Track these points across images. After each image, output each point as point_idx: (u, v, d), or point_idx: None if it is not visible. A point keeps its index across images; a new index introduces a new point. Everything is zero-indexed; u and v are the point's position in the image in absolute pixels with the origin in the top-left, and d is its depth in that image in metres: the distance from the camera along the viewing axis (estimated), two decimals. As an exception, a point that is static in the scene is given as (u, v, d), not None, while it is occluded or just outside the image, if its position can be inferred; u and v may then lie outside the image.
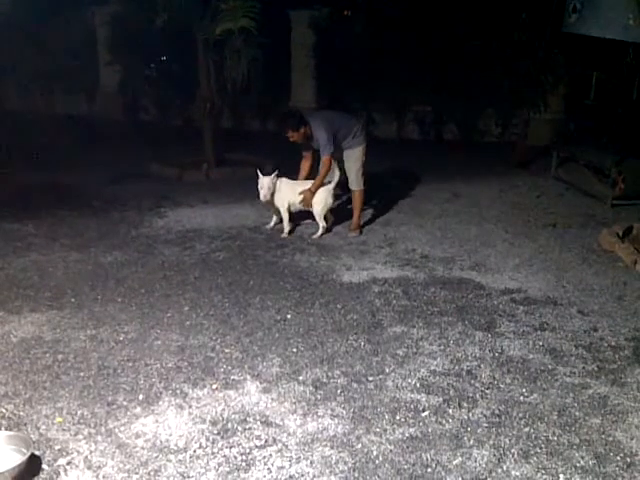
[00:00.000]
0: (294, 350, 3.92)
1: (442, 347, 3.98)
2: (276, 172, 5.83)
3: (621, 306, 4.57)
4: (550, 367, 3.76)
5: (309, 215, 5.97)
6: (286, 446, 3.06)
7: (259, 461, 2.96)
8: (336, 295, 4.70)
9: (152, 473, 2.88)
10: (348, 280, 4.98)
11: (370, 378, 3.63)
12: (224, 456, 2.99)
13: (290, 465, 2.93)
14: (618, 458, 3.00)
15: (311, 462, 2.95)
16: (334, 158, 5.82)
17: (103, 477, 2.86)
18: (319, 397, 3.44)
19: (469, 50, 9.01)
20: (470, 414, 3.31)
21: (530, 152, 8.66)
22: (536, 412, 3.34)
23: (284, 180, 5.91)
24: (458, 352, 3.92)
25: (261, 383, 3.57)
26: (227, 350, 3.90)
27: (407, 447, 3.05)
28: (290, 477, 2.87)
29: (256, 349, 3.92)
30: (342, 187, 6.13)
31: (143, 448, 3.04)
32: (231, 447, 3.05)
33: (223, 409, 3.33)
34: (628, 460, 2.99)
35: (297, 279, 4.97)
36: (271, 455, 3.00)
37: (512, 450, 3.04)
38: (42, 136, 8.96)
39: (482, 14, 8.83)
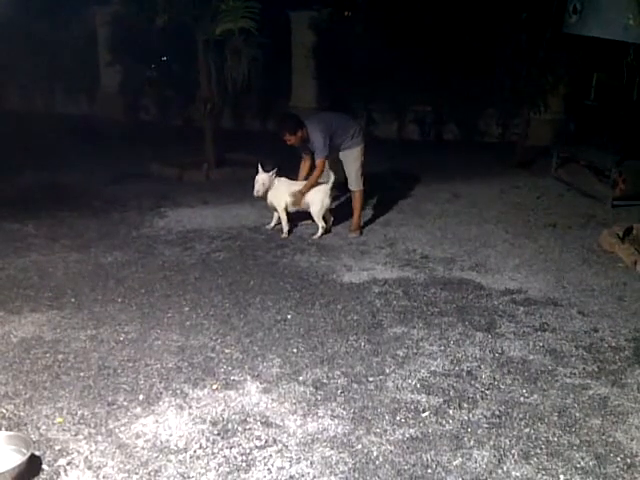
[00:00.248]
0: (294, 350, 3.92)
1: (442, 348, 3.98)
2: (275, 170, 5.84)
3: (621, 307, 4.57)
4: (550, 368, 3.76)
5: (309, 216, 5.97)
6: (286, 446, 3.06)
7: (259, 461, 2.96)
8: (336, 295, 4.70)
9: (152, 473, 2.88)
10: (348, 280, 4.97)
11: (370, 379, 3.63)
12: (224, 456, 2.99)
13: (290, 465, 2.93)
14: (618, 459, 3.00)
15: (311, 463, 2.95)
16: (332, 159, 5.82)
17: (103, 477, 2.86)
18: (319, 397, 3.44)
19: (469, 50, 9.00)
20: (470, 415, 3.31)
21: (530, 152, 8.66)
22: (536, 413, 3.33)
23: (282, 180, 5.92)
24: (458, 353, 3.92)
25: (261, 383, 3.57)
26: (227, 350, 3.90)
27: (407, 448, 3.05)
28: (290, 477, 2.87)
29: (256, 349, 3.92)
30: (339, 188, 6.12)
31: (143, 448, 3.03)
32: (231, 447, 3.05)
33: (223, 409, 3.33)
34: (628, 461, 2.99)
35: (297, 279, 4.97)
36: (271, 455, 3.00)
37: (512, 451, 3.04)
38: (42, 136, 8.96)
39: (483, 14, 8.83)
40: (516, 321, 4.34)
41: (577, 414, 3.33)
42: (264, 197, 5.89)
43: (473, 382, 3.60)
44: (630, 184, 6.89)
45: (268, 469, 2.91)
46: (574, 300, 4.67)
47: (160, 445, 3.06)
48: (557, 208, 6.93)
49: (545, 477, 2.89)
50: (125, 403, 3.37)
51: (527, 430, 3.19)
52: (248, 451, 3.02)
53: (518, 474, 2.90)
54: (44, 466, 2.91)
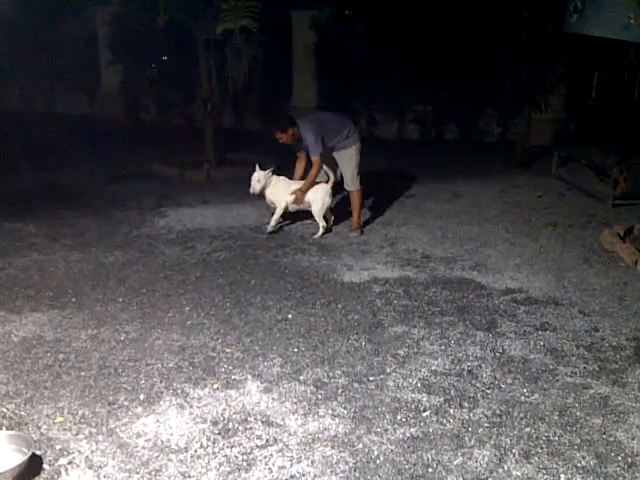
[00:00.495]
0: (295, 350, 3.92)
1: (443, 347, 3.98)
2: (271, 168, 5.85)
3: (622, 306, 4.57)
4: (551, 367, 3.76)
5: (310, 215, 5.97)
6: (287, 446, 3.06)
7: (260, 461, 2.96)
8: (337, 295, 4.70)
9: (153, 473, 2.88)
10: (349, 280, 4.97)
11: (371, 378, 3.63)
12: (225, 456, 2.99)
13: (291, 465, 2.93)
14: (619, 458, 3.00)
15: (312, 462, 2.95)
16: (330, 159, 5.83)
17: (104, 477, 2.86)
18: (320, 397, 3.44)
19: (470, 50, 9.00)
20: (471, 414, 3.31)
21: (531, 152, 8.66)
22: (537, 412, 3.33)
23: (282, 179, 5.92)
24: (459, 352, 3.92)
25: (262, 383, 3.57)
26: (228, 350, 3.90)
27: (408, 447, 3.05)
28: (291, 477, 2.87)
29: (257, 349, 3.92)
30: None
31: (144, 448, 3.04)
32: (232, 447, 3.05)
33: (224, 409, 3.34)
34: (629, 460, 2.99)
35: (298, 279, 4.97)
36: (272, 455, 3.00)
37: (513, 450, 3.04)
38: (43, 136, 8.95)
39: (483, 14, 8.82)
40: (517, 320, 4.34)
41: (578, 413, 3.33)
42: (262, 195, 5.90)
43: (474, 381, 3.60)
44: (631, 183, 6.88)
45: (269, 468, 2.91)
46: (575, 299, 4.67)
47: (161, 444, 3.06)
48: (558, 207, 6.93)
49: (546, 476, 2.89)
50: (126, 402, 3.38)
51: (528, 429, 3.19)
52: (249, 450, 3.02)
53: (519, 473, 2.90)
54: (45, 465, 2.91)
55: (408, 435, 3.14)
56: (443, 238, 5.94)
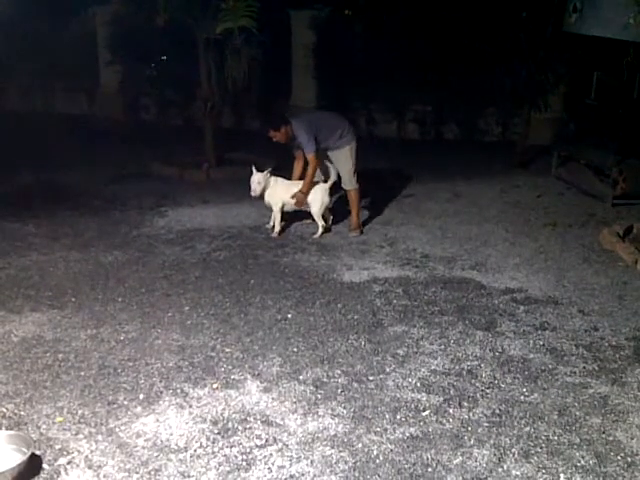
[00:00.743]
0: (295, 350, 3.92)
1: (443, 347, 3.98)
2: (269, 169, 5.85)
3: (622, 305, 4.57)
4: (551, 367, 3.77)
5: (308, 215, 5.97)
6: (286, 445, 3.06)
7: (259, 460, 2.96)
8: (337, 295, 4.70)
9: (153, 472, 2.88)
10: (349, 279, 4.98)
11: (371, 377, 3.63)
12: (225, 455, 2.99)
13: (290, 464, 2.94)
14: (619, 458, 3.01)
15: (311, 461, 2.95)
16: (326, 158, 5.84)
17: (104, 476, 2.86)
18: (319, 396, 3.44)
19: (469, 49, 9.00)
20: (471, 414, 3.31)
21: (531, 151, 8.65)
22: (537, 412, 3.34)
23: (279, 180, 5.92)
24: (459, 352, 3.92)
25: (262, 382, 3.57)
26: (228, 350, 3.90)
27: (408, 446, 3.05)
28: (290, 476, 2.87)
29: (257, 348, 3.92)
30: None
31: (144, 447, 3.04)
32: (232, 446, 3.05)
33: (224, 408, 3.34)
34: (629, 460, 2.99)
35: (298, 278, 4.97)
36: (271, 454, 3.00)
37: (513, 450, 3.04)
38: (42, 136, 8.95)
39: (483, 13, 8.82)
40: (516, 320, 4.34)
41: (577, 413, 3.33)
42: (262, 196, 5.90)
43: (473, 381, 3.61)
44: (630, 183, 6.88)
45: (268, 468, 2.91)
46: (574, 299, 4.67)
47: (160, 444, 3.06)
48: (557, 207, 6.93)
49: (545, 476, 2.89)
50: (125, 402, 3.38)
51: (527, 429, 3.19)
52: (248, 450, 3.03)
53: (518, 473, 2.90)
54: (44, 465, 2.91)
55: (408, 435, 3.14)
56: (443, 238, 5.95)
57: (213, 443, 3.07)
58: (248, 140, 9.17)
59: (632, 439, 3.13)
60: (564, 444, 3.09)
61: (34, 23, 10.73)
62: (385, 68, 9.64)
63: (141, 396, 3.43)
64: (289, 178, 6.02)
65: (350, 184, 5.99)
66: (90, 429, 3.15)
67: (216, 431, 3.16)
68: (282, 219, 5.95)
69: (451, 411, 3.33)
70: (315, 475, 2.88)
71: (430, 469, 2.91)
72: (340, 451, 3.02)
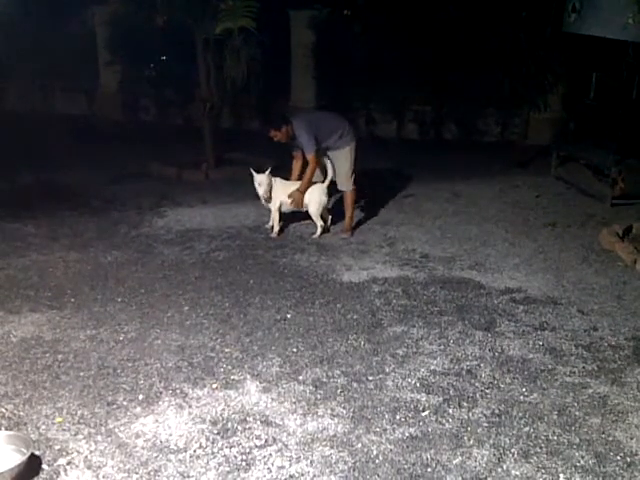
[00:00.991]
0: (294, 350, 3.92)
1: (442, 347, 3.98)
2: (269, 169, 5.85)
3: (621, 305, 4.57)
4: (550, 367, 3.77)
5: (307, 215, 5.96)
6: (286, 446, 3.06)
7: (259, 461, 2.96)
8: (336, 295, 4.70)
9: (152, 473, 2.88)
10: (348, 280, 4.97)
11: (370, 378, 3.63)
12: (224, 456, 2.99)
13: (290, 465, 2.93)
14: (618, 458, 3.01)
15: (311, 462, 2.95)
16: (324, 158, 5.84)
17: (103, 477, 2.86)
18: (319, 397, 3.44)
19: (469, 49, 9.00)
20: (470, 414, 3.31)
21: (530, 151, 8.65)
22: (536, 412, 3.34)
23: (277, 180, 5.92)
24: (458, 352, 3.92)
25: (261, 383, 3.57)
26: (227, 350, 3.90)
27: (407, 447, 3.05)
28: (290, 477, 2.87)
29: (256, 349, 3.92)
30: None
31: (143, 448, 3.04)
32: (231, 447, 3.05)
33: (223, 409, 3.34)
34: (628, 460, 2.99)
35: (297, 279, 4.97)
36: (271, 455, 3.00)
37: (512, 450, 3.04)
38: (41, 136, 8.95)
39: (482, 13, 8.82)
40: (516, 320, 4.34)
41: (577, 413, 3.33)
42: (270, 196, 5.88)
43: (473, 381, 3.61)
44: (629, 183, 6.88)
45: (268, 468, 2.91)
46: (574, 299, 4.67)
47: (160, 445, 3.06)
48: (557, 207, 6.93)
49: (545, 476, 2.89)
50: (125, 403, 3.37)
51: (527, 429, 3.19)
52: (248, 450, 3.02)
53: (518, 473, 2.90)
54: (44, 466, 2.91)
55: (407, 435, 3.14)
56: (442, 238, 5.94)
57: (213, 443, 3.07)
58: (247, 140, 9.17)
59: (631, 439, 3.13)
60: (563, 444, 3.09)
61: (34, 23, 10.73)
62: (385, 68, 9.65)
63: (140, 396, 3.43)
64: (288, 178, 6.02)
65: (346, 185, 5.99)
66: (89, 429, 3.15)
67: (215, 431, 3.16)
68: (281, 219, 5.95)
69: (450, 411, 3.33)
70: (315, 475, 2.87)
71: (430, 469, 2.91)
72: (340, 451, 3.02)
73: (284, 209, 5.93)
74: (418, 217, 6.53)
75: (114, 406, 3.34)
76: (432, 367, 3.74)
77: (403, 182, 7.63)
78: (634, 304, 4.59)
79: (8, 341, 3.98)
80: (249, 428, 3.18)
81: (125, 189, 7.35)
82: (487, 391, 3.51)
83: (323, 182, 5.89)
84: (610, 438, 3.14)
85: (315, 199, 5.82)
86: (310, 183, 5.82)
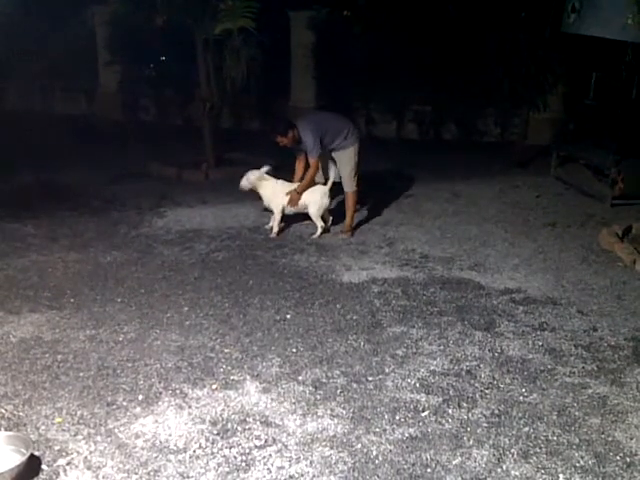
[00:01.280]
0: (294, 350, 3.92)
1: (442, 347, 3.98)
2: (266, 167, 5.87)
3: (620, 306, 4.57)
4: (550, 367, 3.77)
5: (307, 216, 5.96)
6: (286, 446, 3.06)
7: (259, 461, 2.96)
8: (335, 295, 4.70)
9: (152, 473, 2.88)
10: (347, 280, 4.97)
11: (370, 378, 3.63)
12: (224, 456, 2.99)
13: (290, 465, 2.93)
14: (618, 458, 3.01)
15: (311, 462, 2.95)
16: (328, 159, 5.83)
17: (103, 477, 2.86)
18: (319, 397, 3.44)
19: (468, 50, 9.01)
20: (470, 414, 3.31)
21: (530, 152, 8.66)
22: (536, 412, 3.34)
23: (280, 182, 5.92)
24: (458, 352, 3.92)
25: (261, 383, 3.57)
26: (227, 350, 3.90)
27: (407, 447, 3.05)
28: (290, 477, 2.87)
29: (256, 349, 3.92)
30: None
31: (143, 448, 3.03)
32: (231, 447, 3.05)
33: (223, 409, 3.33)
34: (628, 460, 2.99)
35: (297, 279, 4.96)
36: (271, 455, 3.00)
37: (512, 450, 3.04)
38: (41, 136, 8.95)
39: (482, 13, 8.83)
40: (515, 320, 4.34)
41: (576, 413, 3.33)
42: (253, 191, 5.94)
43: (472, 381, 3.60)
44: (629, 183, 6.89)
45: (268, 469, 2.91)
46: (573, 299, 4.67)
47: (159, 445, 3.06)
48: (556, 207, 6.93)
49: (544, 476, 2.89)
50: (124, 403, 3.37)
51: (526, 429, 3.19)
52: (247, 451, 3.02)
53: (517, 473, 2.90)
54: (43, 466, 2.91)
55: (407, 435, 3.14)
56: (442, 238, 5.95)
57: (212, 444, 3.07)
58: (247, 140, 9.19)
59: (631, 439, 3.14)
60: (563, 444, 3.09)
61: (34, 23, 10.73)
62: (384, 68, 9.65)
63: (140, 397, 3.43)
64: (288, 178, 6.01)
65: (350, 186, 5.98)
66: (89, 430, 3.15)
67: (215, 432, 3.16)
68: (282, 221, 5.95)
69: (450, 411, 3.33)
70: (314, 476, 2.87)
71: (429, 469, 2.91)
72: (339, 452, 3.02)
73: (288, 212, 5.93)
74: (418, 217, 6.53)
75: (114, 406, 3.34)
76: (432, 367, 3.74)
77: (403, 182, 7.63)
78: (634, 304, 4.59)
79: (8, 341, 3.98)
80: (249, 428, 3.18)
81: (125, 189, 7.35)
82: (487, 391, 3.51)
83: (325, 184, 5.88)
84: (610, 438, 3.14)
85: (316, 200, 5.81)
86: (309, 185, 5.82)
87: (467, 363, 3.80)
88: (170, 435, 3.13)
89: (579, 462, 2.97)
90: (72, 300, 4.56)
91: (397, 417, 3.28)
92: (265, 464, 2.94)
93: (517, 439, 3.12)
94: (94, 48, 11.52)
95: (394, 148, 9.38)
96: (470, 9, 9.03)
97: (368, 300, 4.62)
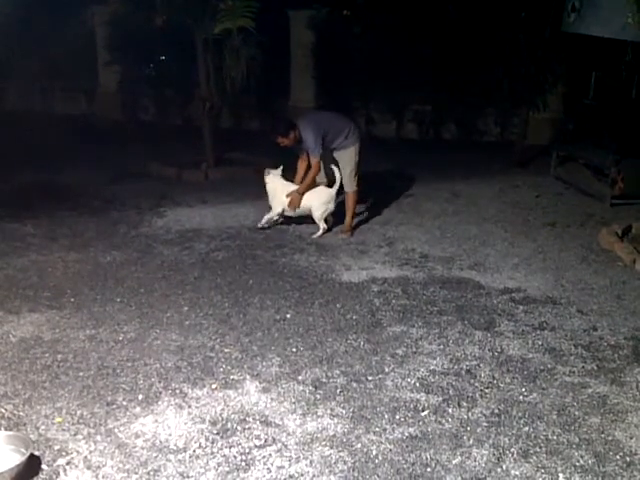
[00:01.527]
0: (293, 350, 3.92)
1: (441, 346, 3.98)
2: (281, 168, 5.91)
3: (620, 305, 4.57)
4: (549, 366, 3.77)
5: (310, 217, 5.95)
6: (285, 446, 3.06)
7: (259, 461, 2.96)
8: (335, 295, 4.70)
9: (152, 473, 2.88)
10: (347, 280, 4.97)
11: (369, 378, 3.63)
12: (224, 456, 2.99)
13: (290, 465, 2.93)
14: (617, 457, 3.01)
15: (310, 462, 2.95)
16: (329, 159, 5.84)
17: (102, 477, 2.86)
18: (318, 397, 3.44)
19: (468, 49, 9.01)
20: (470, 413, 3.31)
21: (529, 151, 8.66)
22: (535, 411, 3.34)
23: (282, 183, 5.91)
24: (457, 351, 3.92)
25: (260, 383, 3.57)
26: (226, 350, 3.90)
27: (407, 446, 3.05)
28: (290, 477, 2.87)
29: (255, 349, 3.92)
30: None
31: (142, 448, 3.03)
32: (230, 447, 3.05)
33: (222, 409, 3.33)
34: (628, 459, 2.99)
35: (296, 279, 4.96)
36: (270, 455, 3.00)
37: (512, 449, 3.04)
38: (41, 136, 8.95)
39: (481, 13, 8.83)
40: (515, 320, 4.34)
41: (576, 412, 3.33)
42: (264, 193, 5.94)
43: (472, 381, 3.60)
44: (629, 183, 6.89)
45: (267, 468, 2.91)
46: (573, 299, 4.67)
47: (159, 445, 3.06)
48: (556, 207, 6.93)
49: (544, 476, 2.89)
50: (124, 403, 3.37)
51: (526, 429, 3.19)
52: (247, 450, 3.02)
53: (517, 473, 2.90)
54: (43, 466, 2.91)
55: (407, 435, 3.14)
56: (442, 238, 5.95)
57: (212, 443, 3.07)
58: (247, 140, 9.19)
59: (631, 438, 3.14)
60: (563, 444, 3.09)
61: (33, 23, 10.73)
62: (384, 68, 9.65)
63: (140, 396, 3.43)
64: (289, 178, 6.00)
65: (350, 186, 5.97)
66: (89, 429, 3.15)
67: (215, 431, 3.16)
68: (279, 221, 5.95)
69: (450, 411, 3.33)
70: (314, 475, 2.87)
71: (429, 469, 2.91)
72: (339, 451, 3.02)
73: (288, 213, 5.93)
74: (418, 217, 6.53)
75: (113, 406, 3.34)
76: (432, 367, 3.74)
77: (402, 182, 7.63)
78: (633, 304, 4.59)
79: (7, 341, 3.98)
80: (248, 428, 3.18)
81: (125, 189, 7.35)
82: (486, 391, 3.51)
83: (329, 186, 5.85)
84: (610, 438, 3.14)
85: (320, 205, 5.78)
86: (310, 186, 5.80)
87: (467, 362, 3.80)
88: (170, 435, 3.13)
89: (579, 461, 2.97)
90: (72, 300, 4.56)
91: (397, 416, 3.28)
92: (265, 464, 2.94)
93: (517, 438, 3.12)
94: (94, 48, 11.51)
95: (394, 148, 9.38)
96: (470, 9, 9.03)
97: (368, 300, 4.62)
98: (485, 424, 3.22)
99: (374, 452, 3.01)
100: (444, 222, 6.37)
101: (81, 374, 3.62)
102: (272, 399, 3.42)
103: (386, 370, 3.70)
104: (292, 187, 5.90)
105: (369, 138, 9.35)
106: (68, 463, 2.93)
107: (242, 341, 4.01)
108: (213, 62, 7.84)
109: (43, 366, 3.70)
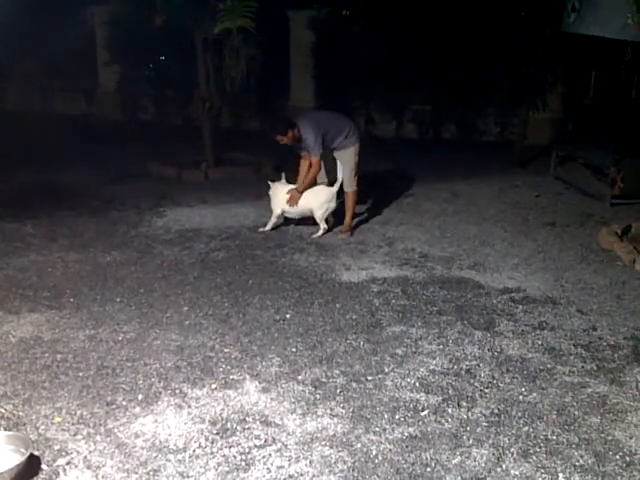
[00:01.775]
0: (293, 350, 3.92)
1: (441, 346, 3.98)
2: (283, 175, 5.93)
3: (620, 305, 4.57)
4: (549, 366, 3.77)
5: (308, 217, 5.95)
6: (285, 446, 3.06)
7: (258, 461, 2.96)
8: (335, 295, 4.70)
9: (151, 473, 2.88)
10: (347, 279, 4.97)
11: (369, 377, 3.63)
12: (223, 456, 2.99)
13: (289, 465, 2.93)
14: (617, 457, 3.01)
15: (310, 462, 2.95)
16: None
17: (102, 477, 2.86)
18: (318, 397, 3.44)
19: (468, 49, 9.01)
20: (469, 413, 3.31)
21: (529, 151, 8.66)
22: (535, 411, 3.34)
23: (282, 184, 5.91)
24: (457, 351, 3.92)
25: (260, 383, 3.57)
26: (226, 350, 3.90)
27: (406, 446, 3.05)
28: (289, 477, 2.87)
29: (255, 349, 3.92)
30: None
31: (142, 448, 3.03)
32: (230, 447, 3.05)
33: (222, 409, 3.34)
34: (627, 459, 2.99)
35: (296, 279, 4.96)
36: (270, 455, 3.00)
37: (511, 449, 3.04)
38: (41, 136, 8.95)
39: (481, 13, 8.83)
40: (515, 320, 4.34)
41: (576, 412, 3.33)
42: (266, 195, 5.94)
43: (472, 381, 3.61)
44: (629, 182, 6.89)
45: (267, 468, 2.91)
46: (573, 298, 4.67)
47: (159, 445, 3.06)
48: (556, 207, 6.93)
49: (544, 475, 2.89)
50: (124, 403, 3.37)
51: (526, 428, 3.19)
52: (247, 450, 3.02)
53: (517, 472, 2.90)
54: (43, 466, 2.91)
55: (406, 434, 3.14)
56: (441, 237, 5.95)
57: (212, 443, 3.07)
58: (247, 140, 9.19)
59: (631, 438, 3.14)
60: (563, 443, 3.09)
61: (33, 23, 10.73)
62: (384, 68, 9.65)
63: (140, 396, 3.43)
64: (290, 178, 6.00)
65: (350, 186, 5.97)
66: (89, 429, 3.15)
67: (215, 431, 3.16)
68: (278, 224, 5.96)
69: (450, 411, 3.33)
70: (314, 475, 2.87)
71: (429, 469, 2.91)
72: (339, 451, 3.02)
73: (289, 214, 5.93)
74: (417, 217, 6.53)
75: (113, 406, 3.34)
76: (431, 367, 3.74)
77: (402, 182, 7.63)
78: (633, 304, 4.59)
79: (7, 341, 3.98)
80: (248, 428, 3.18)
81: (125, 189, 7.35)
82: (486, 391, 3.51)
83: (331, 185, 5.85)
84: (609, 437, 3.14)
85: (322, 204, 5.77)
86: (310, 185, 5.81)
87: (467, 362, 3.80)
88: (170, 435, 3.13)
89: (579, 461, 2.97)
90: (72, 300, 4.56)
91: (397, 416, 3.28)
92: (265, 463, 2.94)
93: (517, 438, 3.12)
94: (94, 48, 11.52)
95: (394, 148, 9.37)
96: (470, 9, 9.03)
97: (367, 299, 4.62)
98: (485, 424, 3.23)
99: (374, 452, 3.01)
100: (444, 222, 6.37)
101: (81, 374, 3.63)
102: (272, 399, 3.42)
103: (386, 370, 3.70)
104: (291, 187, 5.91)
105: (369, 138, 9.35)
106: (68, 463, 2.93)
107: (242, 341, 4.01)
108: (213, 62, 7.84)
109: (43, 366, 3.70)
